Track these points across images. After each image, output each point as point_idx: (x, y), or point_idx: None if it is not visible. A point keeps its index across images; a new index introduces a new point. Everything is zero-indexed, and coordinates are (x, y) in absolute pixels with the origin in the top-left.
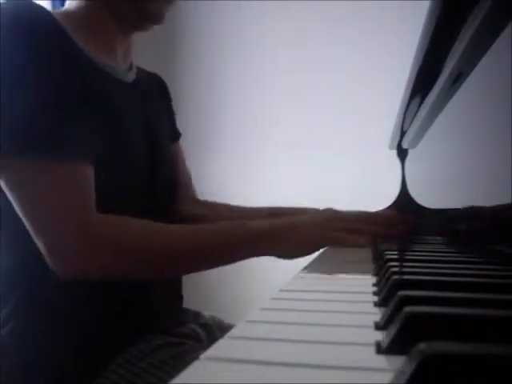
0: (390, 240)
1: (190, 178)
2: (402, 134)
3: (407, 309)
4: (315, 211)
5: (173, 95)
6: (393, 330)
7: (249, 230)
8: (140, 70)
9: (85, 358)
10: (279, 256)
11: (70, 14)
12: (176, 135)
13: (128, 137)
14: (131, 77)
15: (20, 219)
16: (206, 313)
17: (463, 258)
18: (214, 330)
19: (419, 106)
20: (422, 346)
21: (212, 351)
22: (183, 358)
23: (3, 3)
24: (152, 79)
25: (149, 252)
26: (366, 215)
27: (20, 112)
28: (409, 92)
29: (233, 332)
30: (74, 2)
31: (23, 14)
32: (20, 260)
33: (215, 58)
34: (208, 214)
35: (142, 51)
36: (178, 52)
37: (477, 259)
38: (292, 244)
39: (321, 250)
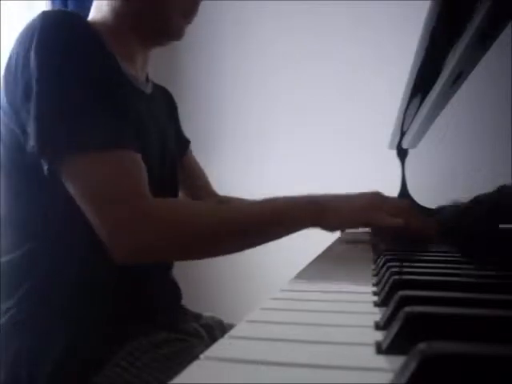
0: (413, 235)
1: (206, 178)
2: (402, 133)
3: (407, 309)
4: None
5: (173, 95)
6: (393, 330)
7: (299, 200)
8: (153, 83)
9: (88, 350)
10: (324, 227)
11: (97, 24)
12: (186, 143)
13: (147, 146)
14: (149, 89)
15: (31, 213)
16: (206, 314)
17: (463, 258)
18: (215, 330)
19: (419, 106)
20: (421, 345)
21: (212, 351)
22: (186, 353)
23: (44, 11)
24: (161, 92)
25: (203, 230)
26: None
27: (73, 113)
28: (409, 92)
29: (233, 332)
30: (99, 14)
31: (63, 19)
32: (25, 254)
33: (215, 58)
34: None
35: None
36: (177, 52)
37: (477, 259)
38: (340, 215)
39: (320, 250)
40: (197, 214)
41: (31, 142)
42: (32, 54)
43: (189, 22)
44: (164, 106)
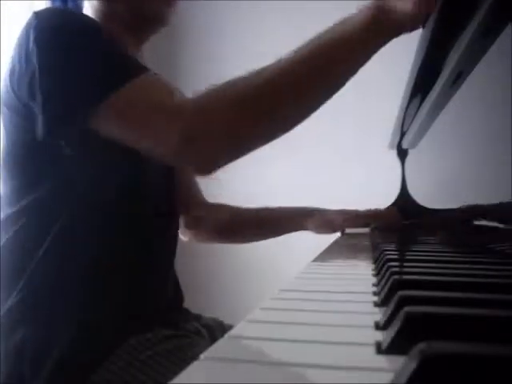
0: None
1: (197, 186)
2: (402, 133)
3: (407, 309)
4: None
5: None
6: (393, 329)
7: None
8: None
9: (92, 344)
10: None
11: None
12: None
13: None
14: None
15: (35, 201)
16: (207, 315)
17: (463, 258)
18: (215, 331)
19: (419, 106)
20: (421, 345)
21: (212, 351)
22: (189, 349)
23: (35, 11)
24: None
25: (254, 98)
26: None
27: (99, 61)
28: (409, 92)
29: (233, 332)
30: (94, 7)
31: (57, 10)
32: (28, 245)
33: (215, 58)
34: (225, 216)
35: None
36: (178, 51)
37: (477, 259)
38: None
39: (320, 250)
40: (232, 85)
41: (48, 117)
42: (31, 46)
43: (173, 7)
44: None
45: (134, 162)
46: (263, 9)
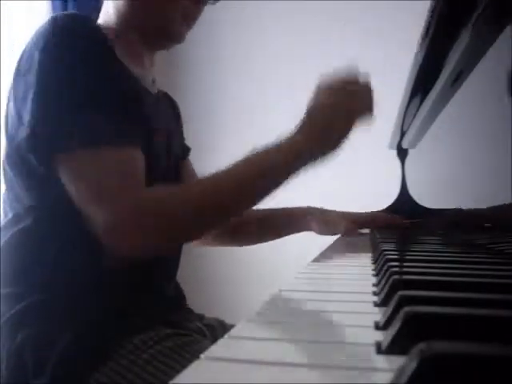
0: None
1: None
2: (402, 133)
3: (407, 309)
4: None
5: (173, 94)
6: (393, 329)
7: (277, 148)
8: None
9: (95, 342)
10: (322, 153)
11: (106, 26)
12: (186, 151)
13: (154, 145)
14: (155, 90)
15: (37, 210)
16: (209, 315)
17: (463, 258)
18: (217, 331)
19: (419, 106)
20: (422, 346)
21: (212, 351)
22: (191, 347)
23: (53, 15)
24: (166, 97)
25: (195, 209)
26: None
27: (74, 111)
28: (409, 92)
29: (233, 332)
30: (107, 17)
31: (71, 23)
32: (32, 247)
33: (215, 58)
34: None
35: None
36: (177, 51)
37: (477, 259)
38: (323, 136)
39: (321, 250)
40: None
41: (24, 134)
42: (36, 55)
43: (190, 27)
44: (169, 110)
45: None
46: (264, 10)
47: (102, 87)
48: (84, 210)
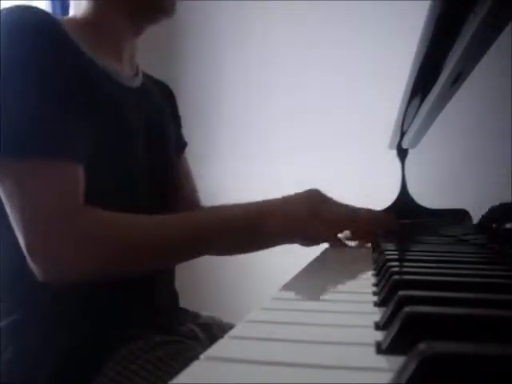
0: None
1: (194, 186)
2: (402, 133)
3: (407, 309)
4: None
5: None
6: (393, 330)
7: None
8: (147, 77)
9: (82, 355)
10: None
11: (75, 20)
12: (182, 146)
13: (128, 138)
14: (137, 82)
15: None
16: (205, 313)
17: (463, 258)
18: (214, 329)
19: (419, 105)
20: (422, 346)
21: (212, 351)
22: (181, 355)
23: (5, 8)
24: (159, 87)
25: (120, 247)
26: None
27: (11, 115)
28: (409, 92)
29: (233, 332)
30: (79, 11)
31: (26, 18)
32: (21, 257)
33: (215, 58)
34: None
35: (142, 51)
36: (178, 51)
37: (477, 259)
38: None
39: (321, 250)
40: (116, 233)
41: None
42: None
43: None
44: (161, 101)
45: (129, 167)
46: (264, 9)
47: (45, 92)
48: (15, 226)
